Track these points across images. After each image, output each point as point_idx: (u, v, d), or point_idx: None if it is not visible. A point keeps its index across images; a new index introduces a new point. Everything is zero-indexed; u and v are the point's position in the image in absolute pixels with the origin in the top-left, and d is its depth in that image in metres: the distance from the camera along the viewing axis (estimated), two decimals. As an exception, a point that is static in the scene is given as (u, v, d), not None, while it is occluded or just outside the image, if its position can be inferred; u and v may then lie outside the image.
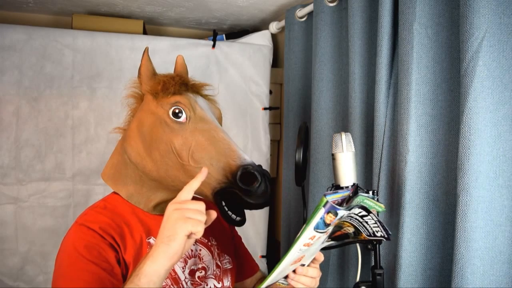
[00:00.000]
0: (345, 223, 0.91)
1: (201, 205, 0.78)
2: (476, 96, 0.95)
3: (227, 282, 1.05)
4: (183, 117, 0.94)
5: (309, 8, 1.71)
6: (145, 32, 2.03)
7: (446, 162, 1.10)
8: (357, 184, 1.07)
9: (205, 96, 1.05)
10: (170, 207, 0.77)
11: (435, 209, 1.12)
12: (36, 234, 1.76)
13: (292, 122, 1.84)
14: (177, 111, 0.94)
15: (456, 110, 1.08)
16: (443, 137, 1.11)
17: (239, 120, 2.03)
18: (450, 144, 1.10)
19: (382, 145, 1.23)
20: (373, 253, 1.11)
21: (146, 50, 1.03)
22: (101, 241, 0.89)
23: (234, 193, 0.87)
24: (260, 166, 0.90)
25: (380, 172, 1.23)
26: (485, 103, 0.95)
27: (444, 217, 1.10)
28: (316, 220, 0.79)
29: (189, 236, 0.76)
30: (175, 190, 0.97)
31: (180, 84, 0.98)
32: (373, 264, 1.10)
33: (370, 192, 1.09)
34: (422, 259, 1.13)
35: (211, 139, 0.92)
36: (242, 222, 0.91)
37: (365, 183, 1.36)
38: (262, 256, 2.08)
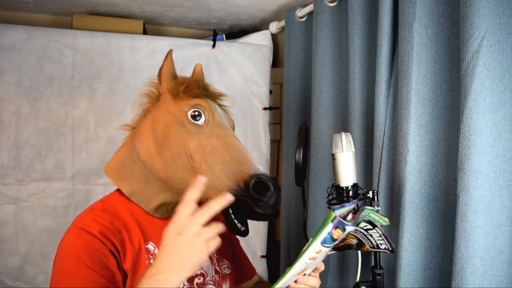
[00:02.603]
0: (349, 235, 0.91)
1: (204, 216, 0.75)
2: (476, 96, 0.95)
3: (225, 287, 1.05)
4: (201, 120, 0.94)
5: (309, 8, 1.71)
6: (145, 32, 2.03)
7: (446, 162, 1.10)
8: (357, 185, 1.07)
9: (220, 106, 1.05)
10: (188, 238, 0.73)
11: (435, 209, 1.12)
12: (36, 234, 1.76)
13: (292, 122, 1.84)
14: (196, 113, 0.93)
15: (456, 110, 1.08)
16: (443, 137, 1.11)
17: (239, 120, 2.01)
18: (450, 144, 1.10)
19: (382, 145, 1.23)
20: (373, 253, 1.11)
21: (170, 52, 1.03)
22: (102, 246, 0.87)
23: (243, 201, 0.86)
24: (272, 178, 0.90)
25: (380, 172, 1.23)
26: (485, 103, 0.95)
27: (444, 217, 1.10)
28: (323, 234, 0.79)
29: None
30: (179, 193, 0.95)
31: (202, 89, 0.99)
32: (373, 264, 1.10)
33: (370, 193, 1.09)
34: (422, 259, 1.13)
35: (227, 145, 0.92)
36: (246, 232, 0.90)
37: (365, 183, 1.36)
38: (262, 256, 2.08)
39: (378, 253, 1.09)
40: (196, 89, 0.97)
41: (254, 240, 2.04)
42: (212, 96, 1.03)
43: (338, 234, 0.80)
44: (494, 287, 0.96)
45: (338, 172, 1.07)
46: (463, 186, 0.96)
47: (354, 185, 1.06)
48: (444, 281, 1.10)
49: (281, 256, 1.92)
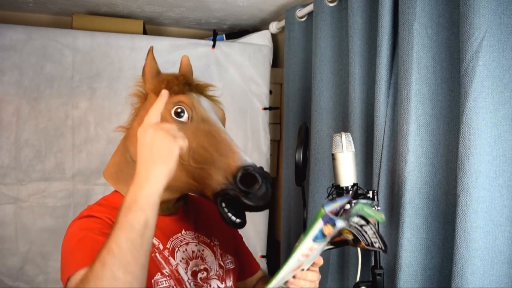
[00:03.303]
0: (345, 230, 0.91)
1: (174, 125, 0.79)
2: (476, 96, 0.95)
3: (229, 282, 1.05)
4: (185, 117, 0.94)
5: (309, 8, 1.71)
6: (145, 32, 2.03)
7: (446, 162, 1.10)
8: (357, 185, 1.07)
9: (209, 97, 1.04)
10: (148, 129, 0.76)
11: (435, 209, 1.12)
12: (36, 234, 1.76)
13: (292, 122, 1.84)
14: (179, 110, 0.94)
15: (456, 110, 1.08)
16: (443, 137, 1.11)
17: (239, 120, 2.03)
18: (450, 144, 1.10)
19: (382, 145, 1.23)
20: (373, 253, 1.11)
21: (151, 50, 1.03)
22: (107, 224, 0.89)
23: (234, 194, 0.87)
24: (261, 168, 0.89)
25: (380, 172, 1.23)
26: (485, 103, 0.95)
27: (444, 217, 1.10)
28: (314, 231, 0.79)
29: None
30: (176, 191, 0.98)
31: (183, 84, 0.98)
32: (373, 264, 1.10)
33: (370, 193, 1.09)
34: (422, 259, 1.13)
35: (213, 140, 0.92)
36: (242, 224, 0.90)
37: (365, 183, 1.36)
38: (262, 256, 2.08)
39: (378, 253, 1.09)
40: (175, 86, 0.96)
41: (254, 240, 2.04)
42: (198, 89, 1.02)
43: (328, 230, 0.80)
44: (494, 287, 0.96)
45: (338, 172, 1.07)
46: (463, 186, 0.96)
47: (354, 185, 1.07)
48: (444, 281, 1.10)
49: (281, 256, 1.92)
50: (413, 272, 1.13)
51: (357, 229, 0.90)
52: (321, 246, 0.86)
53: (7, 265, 1.73)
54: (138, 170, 0.75)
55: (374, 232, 0.89)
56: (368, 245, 0.93)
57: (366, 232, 0.90)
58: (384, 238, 0.90)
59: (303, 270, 0.93)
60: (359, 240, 0.93)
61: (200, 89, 1.03)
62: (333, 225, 0.80)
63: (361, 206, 0.88)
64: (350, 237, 0.94)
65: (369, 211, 0.88)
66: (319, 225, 0.78)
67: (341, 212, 0.88)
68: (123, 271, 0.68)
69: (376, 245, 0.91)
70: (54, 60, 1.78)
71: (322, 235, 0.80)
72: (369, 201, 0.89)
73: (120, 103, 1.84)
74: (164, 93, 0.81)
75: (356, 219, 0.86)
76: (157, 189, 0.74)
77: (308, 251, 0.83)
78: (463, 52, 0.97)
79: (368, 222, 0.87)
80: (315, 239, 0.80)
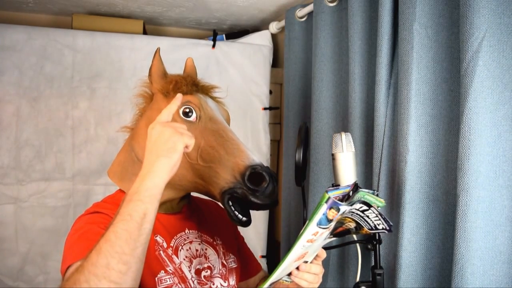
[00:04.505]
0: (347, 218, 0.92)
1: (184, 126, 0.80)
2: (476, 96, 0.95)
3: (232, 281, 1.06)
4: (193, 117, 0.95)
5: (309, 8, 1.71)
6: (145, 32, 2.03)
7: (446, 162, 1.10)
8: (357, 182, 1.07)
9: (213, 98, 1.06)
10: (157, 125, 0.78)
11: (435, 209, 1.12)
12: (36, 234, 1.76)
13: (292, 122, 1.84)
14: (187, 110, 0.95)
15: (456, 110, 1.08)
16: (443, 137, 1.11)
17: (239, 120, 2.03)
18: (450, 144, 1.10)
19: (382, 145, 1.23)
20: (373, 253, 1.11)
21: (157, 51, 1.04)
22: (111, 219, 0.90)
23: (242, 193, 0.88)
24: (268, 167, 0.91)
25: (380, 172, 1.23)
26: (485, 103, 0.95)
27: (444, 217, 1.10)
28: (318, 216, 0.80)
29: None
30: (181, 189, 0.99)
31: (191, 85, 1.00)
32: (373, 264, 1.10)
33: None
34: (422, 259, 1.13)
35: (221, 139, 0.94)
36: (248, 222, 0.92)
37: (365, 183, 1.36)
38: (262, 256, 2.08)
39: (378, 253, 1.09)
40: (184, 86, 0.98)
41: (254, 240, 2.04)
42: (204, 90, 1.04)
43: (333, 214, 0.81)
44: (494, 287, 0.96)
45: (338, 172, 1.07)
46: (463, 186, 0.96)
47: (354, 182, 1.06)
48: (444, 281, 1.10)
49: (281, 256, 1.92)
50: (413, 272, 1.13)
51: (359, 215, 0.90)
52: (325, 233, 0.87)
53: (7, 265, 1.73)
54: (143, 164, 0.77)
55: (376, 215, 0.89)
56: (371, 229, 0.93)
57: (368, 217, 0.91)
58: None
59: (306, 262, 0.94)
60: (362, 226, 0.94)
61: (205, 90, 1.05)
62: (337, 209, 0.81)
63: (363, 194, 0.89)
64: (352, 225, 0.94)
65: (371, 198, 0.89)
66: (323, 209, 0.79)
67: (344, 200, 0.89)
68: (117, 260, 0.69)
69: (380, 227, 0.92)
70: (54, 60, 1.78)
71: (327, 219, 0.81)
72: (370, 190, 0.90)
73: (120, 103, 1.84)
74: (179, 96, 0.84)
75: (358, 205, 0.87)
76: (158, 182, 0.75)
77: (313, 237, 0.84)
78: (463, 52, 0.97)
79: (370, 206, 0.88)
80: (320, 223, 0.81)
